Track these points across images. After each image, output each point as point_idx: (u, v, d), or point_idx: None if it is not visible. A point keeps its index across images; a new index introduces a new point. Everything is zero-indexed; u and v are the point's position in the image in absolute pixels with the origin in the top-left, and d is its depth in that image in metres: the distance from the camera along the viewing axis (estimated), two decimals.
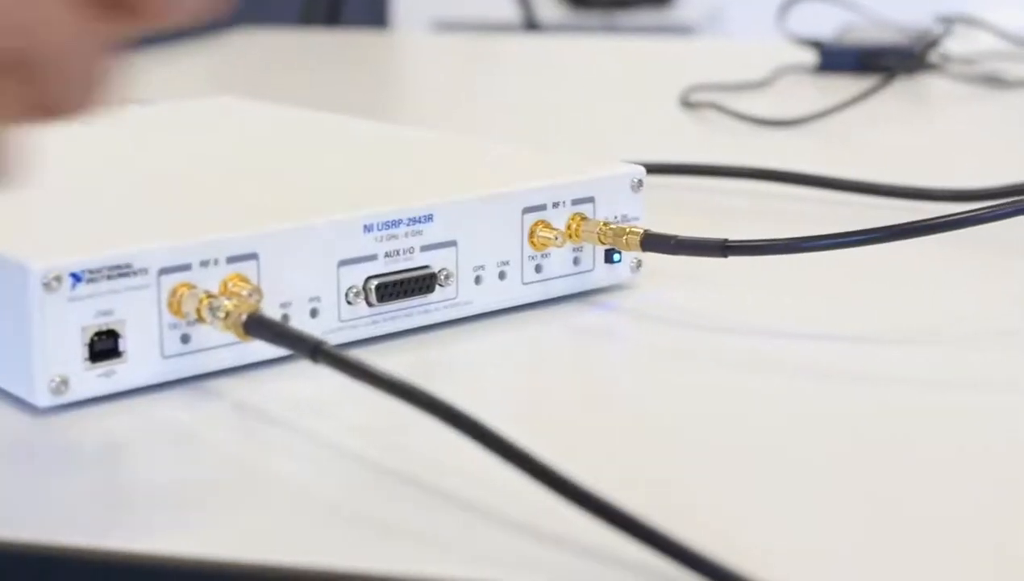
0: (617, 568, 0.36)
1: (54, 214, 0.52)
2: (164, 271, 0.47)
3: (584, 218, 0.56)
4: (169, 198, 0.55)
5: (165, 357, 0.47)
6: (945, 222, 0.51)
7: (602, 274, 0.58)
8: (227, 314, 0.46)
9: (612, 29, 3.03)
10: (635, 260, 0.59)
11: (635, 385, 0.51)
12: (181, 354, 0.48)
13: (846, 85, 1.11)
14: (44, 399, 0.45)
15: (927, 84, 1.22)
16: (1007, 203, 0.51)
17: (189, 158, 0.63)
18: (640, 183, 0.58)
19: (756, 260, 0.57)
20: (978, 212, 0.51)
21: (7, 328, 0.46)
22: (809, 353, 0.52)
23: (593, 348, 0.54)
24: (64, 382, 0.45)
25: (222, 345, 0.48)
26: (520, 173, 0.57)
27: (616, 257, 0.58)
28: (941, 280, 0.61)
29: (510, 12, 2.71)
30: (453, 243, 0.53)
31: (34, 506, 0.40)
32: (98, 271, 0.45)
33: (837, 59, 1.26)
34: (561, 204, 0.56)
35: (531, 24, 2.63)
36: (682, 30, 3.10)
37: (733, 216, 0.73)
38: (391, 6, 3.45)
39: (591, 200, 0.57)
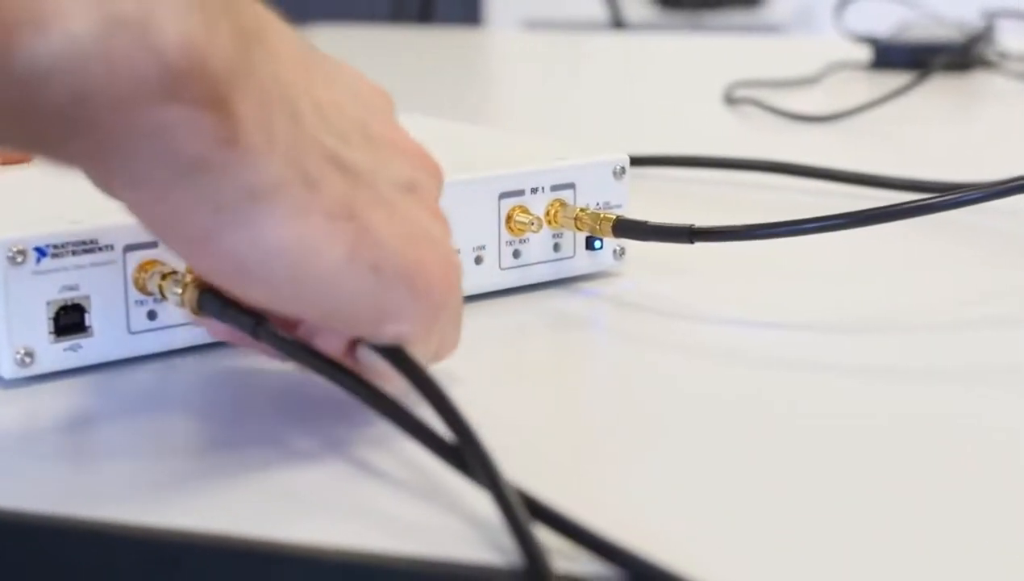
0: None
1: (28, 191, 0.54)
2: (130, 248, 0.48)
3: (563, 204, 0.57)
4: None
5: (132, 333, 0.49)
6: (908, 209, 0.51)
7: (583, 261, 0.59)
8: (184, 289, 0.47)
9: (699, 28, 3.02)
10: (618, 247, 0.59)
11: (607, 372, 0.51)
12: (148, 330, 0.49)
13: (897, 82, 1.10)
14: (9, 371, 0.47)
15: (981, 81, 1.20)
16: (971, 187, 0.51)
17: None
18: (623, 170, 0.59)
19: (748, 250, 0.58)
20: (949, 199, 0.51)
21: None
22: (791, 343, 0.52)
23: (568, 334, 0.54)
24: (29, 354, 0.47)
25: (189, 323, 0.49)
26: (498, 158, 0.58)
27: (597, 244, 0.58)
28: (918, 268, 0.61)
29: (599, 12, 2.72)
30: None
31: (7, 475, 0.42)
32: (63, 246, 0.47)
33: (891, 56, 1.25)
34: (540, 189, 0.57)
35: (618, 23, 2.64)
36: (771, 29, 3.08)
37: (736, 207, 0.73)
38: (484, 5, 3.48)
39: (571, 186, 0.57)
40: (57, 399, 0.47)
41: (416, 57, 1.44)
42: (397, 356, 0.41)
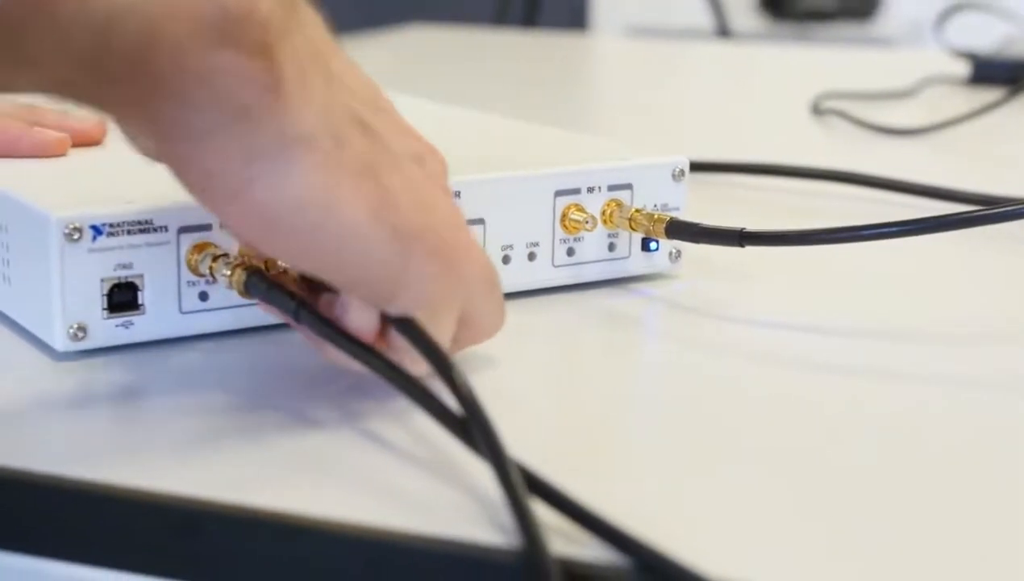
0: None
1: (93, 172, 0.55)
2: (184, 229, 0.49)
3: (620, 204, 0.57)
4: None
5: (183, 313, 0.50)
6: (958, 219, 0.50)
7: (638, 262, 0.59)
8: (232, 271, 0.48)
9: (806, 40, 2.99)
10: (674, 250, 0.59)
11: (648, 370, 0.52)
12: (199, 311, 0.50)
13: (992, 98, 1.08)
14: (62, 344, 0.48)
15: None
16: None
17: None
18: (682, 173, 0.59)
19: (809, 257, 0.58)
20: (1000, 211, 0.51)
21: (33, 274, 0.49)
22: (840, 350, 0.52)
23: (615, 333, 0.55)
24: (83, 329, 0.48)
25: (239, 305, 0.50)
26: (557, 156, 0.59)
27: (653, 245, 0.59)
28: (978, 280, 0.61)
29: (705, 20, 2.71)
30: (481, 221, 0.55)
31: (46, 441, 0.43)
32: (119, 225, 0.48)
33: (989, 71, 1.23)
34: (597, 189, 0.57)
35: (723, 32, 2.63)
36: (880, 43, 3.05)
37: (808, 214, 0.73)
38: (590, 12, 3.48)
39: (629, 187, 0.58)
40: (107, 373, 0.48)
41: (517, 60, 1.44)
42: (409, 327, 0.42)
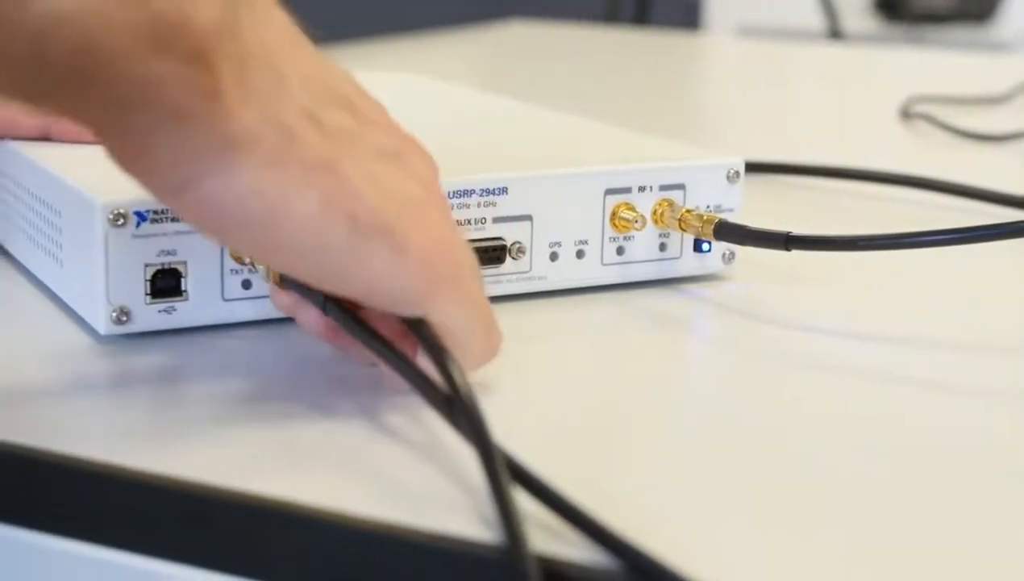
0: None
1: None
2: None
3: (671, 204, 0.57)
4: None
5: (225, 300, 0.50)
6: (1013, 228, 0.49)
7: (690, 263, 0.58)
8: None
9: (921, 43, 2.94)
10: (727, 251, 0.59)
11: (686, 371, 0.51)
12: (241, 298, 0.51)
13: None
14: (105, 327, 0.49)
15: None
16: None
17: None
18: (737, 175, 0.58)
19: (868, 262, 0.57)
20: None
21: (80, 258, 0.50)
22: (899, 359, 0.51)
23: (660, 332, 0.54)
24: (125, 313, 0.49)
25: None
26: (609, 154, 0.58)
27: (705, 247, 0.58)
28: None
29: (818, 21, 2.68)
30: (528, 217, 0.55)
31: (78, 421, 0.44)
32: (163, 212, 0.49)
33: None
34: (648, 188, 0.57)
35: (835, 33, 2.60)
36: (998, 47, 2.99)
37: (869, 218, 0.72)
38: (703, 10, 3.46)
39: (681, 187, 0.57)
40: (148, 357, 0.49)
41: (617, 58, 1.44)
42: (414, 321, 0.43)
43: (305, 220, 0.40)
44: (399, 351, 0.43)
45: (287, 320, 0.51)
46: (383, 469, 0.40)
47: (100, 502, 0.40)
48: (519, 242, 0.55)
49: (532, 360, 0.50)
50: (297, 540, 0.37)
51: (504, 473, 0.36)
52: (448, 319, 0.43)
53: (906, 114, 1.05)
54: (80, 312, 0.51)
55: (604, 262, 0.57)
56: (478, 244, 0.54)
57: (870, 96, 1.25)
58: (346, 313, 0.44)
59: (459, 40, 1.54)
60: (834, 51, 1.76)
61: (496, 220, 0.54)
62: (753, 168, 0.79)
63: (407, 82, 0.80)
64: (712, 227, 0.55)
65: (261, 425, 0.43)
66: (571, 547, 0.35)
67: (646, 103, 1.14)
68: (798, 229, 0.54)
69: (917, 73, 1.39)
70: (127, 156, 0.40)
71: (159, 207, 0.49)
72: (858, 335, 0.53)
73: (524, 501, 0.37)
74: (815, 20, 2.72)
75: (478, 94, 0.75)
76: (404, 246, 0.42)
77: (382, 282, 0.42)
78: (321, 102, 0.42)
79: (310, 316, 0.46)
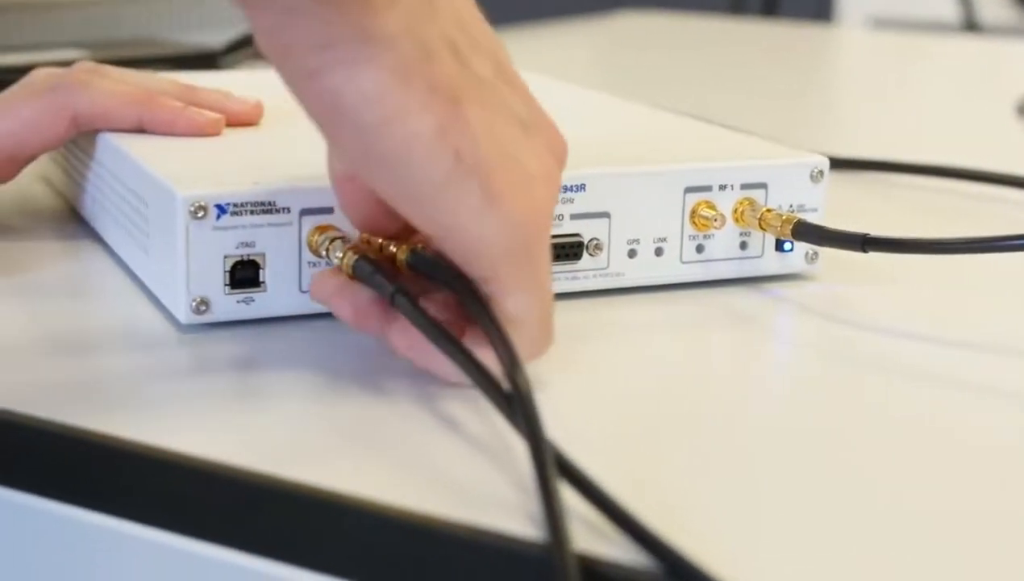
0: None
1: (231, 152, 0.57)
2: (306, 212, 0.51)
3: (752, 203, 0.57)
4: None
5: (303, 291, 0.51)
6: None
7: (772, 262, 0.58)
8: (344, 254, 0.49)
9: None
10: (811, 251, 0.58)
11: (765, 377, 0.51)
12: None
13: None
14: (186, 317, 0.50)
15: None
16: None
17: None
18: (821, 174, 0.58)
19: (964, 264, 0.56)
20: None
21: (164, 248, 0.51)
22: (987, 368, 0.50)
23: (735, 332, 0.54)
24: (205, 303, 0.50)
25: None
26: (690, 151, 0.58)
27: (787, 246, 0.58)
28: None
29: (953, 12, 2.62)
30: (606, 214, 0.55)
31: (157, 409, 0.45)
32: (242, 205, 0.50)
33: None
34: (729, 187, 0.57)
35: (971, 25, 2.54)
36: None
37: (958, 217, 0.71)
38: (836, 2, 3.41)
39: (763, 186, 0.57)
40: (226, 346, 0.50)
41: (736, 49, 1.43)
42: (464, 287, 0.44)
43: (412, 140, 0.41)
44: (461, 343, 0.44)
45: None
46: (439, 461, 0.41)
47: (164, 487, 0.41)
48: (597, 239, 0.55)
49: (603, 356, 0.50)
50: (342, 528, 0.37)
51: (552, 471, 0.37)
52: (511, 299, 0.43)
53: (1022, 110, 1.03)
54: (163, 300, 0.52)
55: (683, 260, 0.57)
56: (555, 240, 0.54)
57: (998, 91, 1.22)
58: (413, 305, 0.45)
59: (572, 31, 1.54)
60: (968, 43, 1.72)
61: (574, 216, 0.55)
62: (858, 165, 0.78)
63: None
64: (791, 227, 0.55)
65: (323, 413, 0.44)
66: (614, 547, 0.35)
67: (766, 98, 1.13)
68: (896, 229, 0.54)
69: None
70: (267, 33, 0.41)
71: (239, 199, 0.50)
72: (944, 341, 0.53)
73: (573, 499, 0.37)
74: (950, 11, 2.66)
75: (571, 88, 0.75)
76: (497, 198, 0.42)
77: (464, 226, 0.42)
78: (469, 44, 0.43)
79: (345, 305, 0.47)
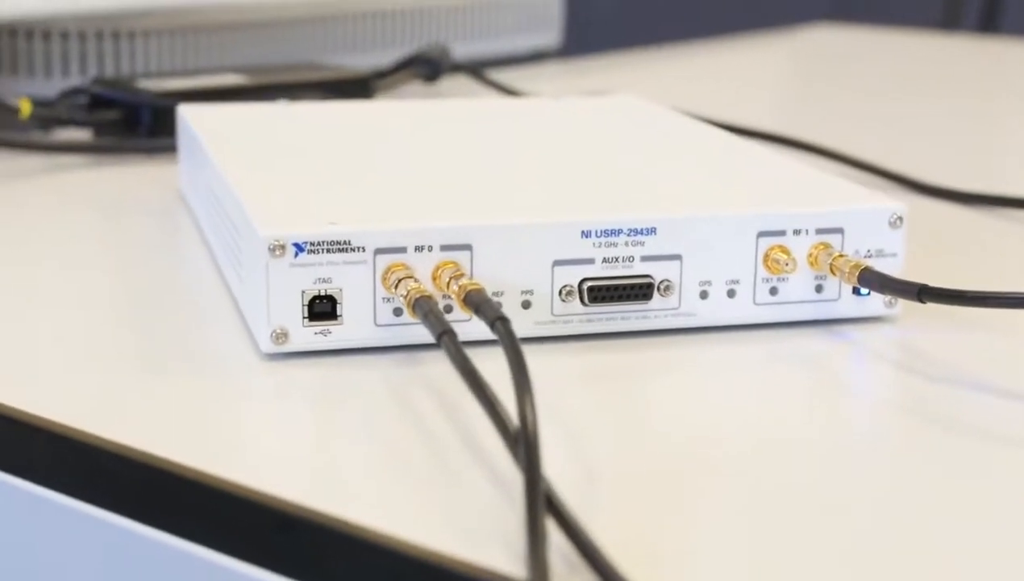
0: None
1: (318, 189, 0.60)
2: (380, 251, 0.54)
3: (827, 247, 0.57)
4: (415, 185, 0.61)
5: (378, 325, 0.55)
6: None
7: (848, 305, 0.59)
8: (407, 293, 0.52)
9: None
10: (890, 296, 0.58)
11: (819, 426, 0.51)
12: (393, 324, 0.55)
13: None
14: (266, 346, 0.54)
15: None
16: None
17: (475, 148, 0.70)
18: (900, 220, 0.58)
19: None
20: None
21: (252, 278, 0.55)
22: None
23: (793, 375, 0.55)
24: (284, 334, 0.54)
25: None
26: (767, 193, 0.59)
27: (864, 290, 0.58)
28: None
29: None
30: (678, 257, 0.57)
31: (240, 440, 0.49)
32: (319, 244, 0.53)
33: None
34: (804, 232, 0.57)
35: None
36: None
37: None
38: None
39: (839, 231, 0.58)
40: (304, 373, 0.53)
41: (953, 69, 1.41)
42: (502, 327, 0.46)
43: None
44: (488, 389, 0.46)
45: (431, 346, 0.55)
46: (454, 496, 0.43)
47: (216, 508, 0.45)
48: (667, 280, 0.57)
49: (657, 394, 0.52)
50: (346, 558, 0.40)
51: (541, 509, 0.39)
52: None
53: None
54: (251, 327, 0.56)
55: (756, 302, 0.58)
56: (625, 281, 0.56)
57: None
58: (456, 348, 0.48)
59: (765, 44, 1.54)
60: None
61: (644, 258, 0.56)
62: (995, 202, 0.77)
63: (616, 106, 0.82)
64: (858, 274, 0.56)
65: (359, 443, 0.47)
66: None
67: (965, 120, 1.11)
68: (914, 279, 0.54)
69: None
70: None
71: (316, 238, 0.53)
72: (1014, 394, 0.52)
73: (562, 541, 0.39)
74: None
75: (668, 115, 0.77)
76: None
77: None
78: None
79: None
